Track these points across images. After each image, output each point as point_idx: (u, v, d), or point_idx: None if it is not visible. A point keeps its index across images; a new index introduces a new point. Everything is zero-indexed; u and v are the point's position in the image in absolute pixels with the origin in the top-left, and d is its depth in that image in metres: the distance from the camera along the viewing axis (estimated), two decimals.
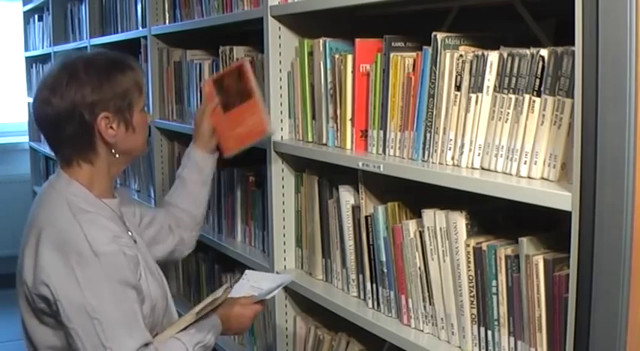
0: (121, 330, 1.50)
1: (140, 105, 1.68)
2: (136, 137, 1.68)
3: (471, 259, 1.48)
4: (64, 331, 1.52)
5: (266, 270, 2.19)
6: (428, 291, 1.60)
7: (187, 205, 2.05)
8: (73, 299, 1.49)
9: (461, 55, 1.49)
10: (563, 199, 1.21)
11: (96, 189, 1.65)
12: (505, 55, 1.41)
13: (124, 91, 1.63)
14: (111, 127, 1.61)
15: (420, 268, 1.61)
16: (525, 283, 1.36)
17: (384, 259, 1.71)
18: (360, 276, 1.83)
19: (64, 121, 1.58)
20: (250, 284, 1.84)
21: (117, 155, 1.65)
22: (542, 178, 1.34)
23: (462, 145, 1.49)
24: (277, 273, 2.07)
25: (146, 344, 1.54)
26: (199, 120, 2.06)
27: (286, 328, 2.17)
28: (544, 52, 1.33)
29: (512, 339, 1.42)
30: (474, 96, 1.46)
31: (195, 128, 2.07)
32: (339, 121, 1.86)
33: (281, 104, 2.08)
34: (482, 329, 1.48)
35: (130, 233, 1.71)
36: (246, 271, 1.92)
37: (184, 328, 1.66)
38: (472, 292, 1.48)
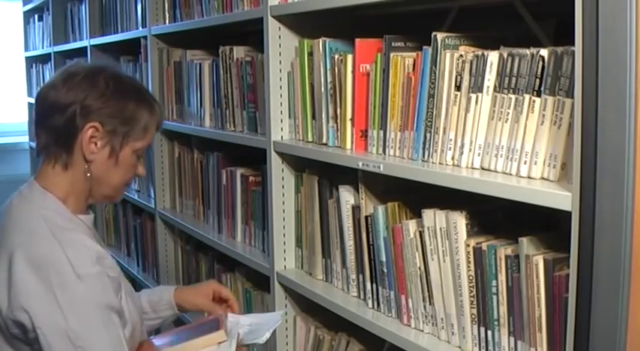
0: None
1: (137, 145, 1.55)
2: (115, 172, 1.55)
3: (471, 259, 1.48)
4: None
5: (266, 270, 2.19)
6: (428, 291, 1.60)
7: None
8: (55, 326, 1.37)
9: (461, 55, 1.49)
10: (563, 199, 1.21)
11: (71, 204, 1.52)
12: (505, 55, 1.41)
13: (128, 118, 1.52)
14: (95, 143, 1.49)
15: (420, 268, 1.61)
16: (525, 283, 1.36)
17: (384, 259, 1.71)
18: (360, 276, 1.83)
19: (57, 110, 1.49)
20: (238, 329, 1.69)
21: (88, 174, 1.51)
22: (542, 178, 1.34)
23: (462, 145, 1.49)
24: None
25: None
26: (204, 301, 1.80)
27: (286, 328, 2.17)
28: (544, 52, 1.33)
29: (512, 339, 1.42)
30: (473, 96, 1.46)
31: (196, 291, 1.83)
32: (339, 121, 1.87)
33: (281, 104, 2.08)
34: (483, 329, 1.48)
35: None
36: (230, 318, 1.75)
37: None
38: (472, 292, 1.48)
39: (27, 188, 1.54)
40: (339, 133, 1.87)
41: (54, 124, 1.50)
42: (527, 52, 1.37)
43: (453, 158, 1.52)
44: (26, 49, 5.73)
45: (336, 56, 1.85)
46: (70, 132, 1.49)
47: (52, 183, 1.51)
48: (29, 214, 1.48)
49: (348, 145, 1.83)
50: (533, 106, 1.35)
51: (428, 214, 1.55)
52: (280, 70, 2.07)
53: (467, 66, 1.48)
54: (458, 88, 1.50)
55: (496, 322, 1.44)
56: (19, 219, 1.48)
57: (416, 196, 1.66)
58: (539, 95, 1.34)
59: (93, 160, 1.51)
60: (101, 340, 1.40)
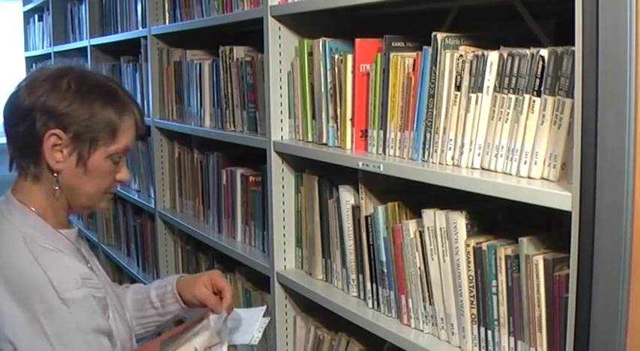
0: None
1: (110, 150, 1.42)
2: (88, 181, 1.42)
3: (471, 259, 1.48)
4: None
5: (266, 270, 2.19)
6: (428, 291, 1.60)
7: (132, 305, 1.70)
8: None
9: (461, 55, 1.49)
10: (563, 199, 1.21)
11: (50, 218, 1.43)
12: (505, 55, 1.41)
13: (93, 123, 1.39)
14: (60, 151, 1.38)
15: (420, 268, 1.61)
16: (525, 283, 1.36)
17: (384, 259, 1.71)
18: (360, 276, 1.83)
19: (19, 117, 1.38)
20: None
21: (56, 187, 1.41)
22: (542, 178, 1.34)
23: (462, 145, 1.49)
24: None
25: None
26: (201, 291, 1.65)
27: (286, 328, 2.17)
28: (544, 52, 1.33)
29: (512, 339, 1.42)
30: (474, 96, 1.46)
31: (194, 281, 1.68)
32: (339, 121, 1.87)
33: (281, 104, 2.08)
34: (482, 329, 1.48)
35: (89, 266, 1.49)
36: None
37: None
38: (472, 292, 1.48)
39: (4, 203, 1.44)
40: (339, 133, 1.87)
41: (17, 133, 1.40)
42: (527, 52, 1.37)
43: (453, 158, 1.52)
44: (26, 49, 5.73)
45: (336, 56, 1.85)
46: (33, 140, 1.38)
47: (29, 197, 1.42)
48: (7, 234, 1.38)
49: (348, 145, 1.83)
50: (533, 106, 1.35)
51: (428, 214, 1.55)
52: (280, 70, 2.06)
53: (467, 66, 1.48)
54: (458, 88, 1.50)
55: (496, 322, 1.44)
56: (6, 233, 1.38)
57: (416, 196, 1.66)
58: (539, 95, 1.34)
59: (60, 170, 1.40)
60: None
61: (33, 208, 1.42)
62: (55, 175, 1.40)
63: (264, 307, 1.72)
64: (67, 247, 1.44)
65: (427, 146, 1.57)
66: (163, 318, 1.70)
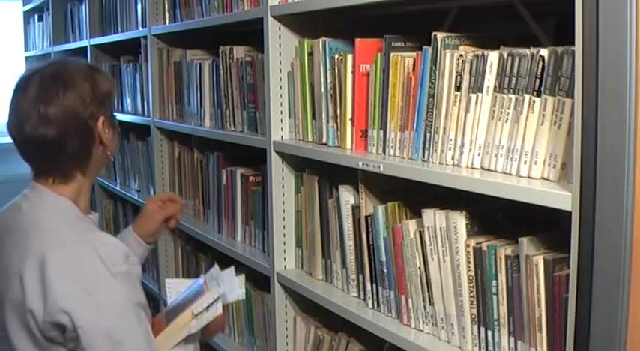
0: None
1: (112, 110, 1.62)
2: (116, 136, 1.62)
3: (471, 259, 1.48)
4: None
5: (266, 270, 2.19)
6: (428, 291, 1.60)
7: None
8: (95, 325, 1.40)
9: (461, 55, 1.49)
10: (563, 199, 1.21)
11: (81, 204, 1.55)
12: (505, 55, 1.41)
13: (108, 91, 1.56)
14: (106, 131, 1.54)
15: (420, 268, 1.61)
16: (525, 283, 1.36)
17: (384, 259, 1.71)
18: (360, 276, 1.83)
19: (69, 134, 1.48)
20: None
21: (108, 156, 1.60)
22: (542, 178, 1.34)
23: (462, 145, 1.49)
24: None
25: None
26: (153, 210, 1.88)
27: (286, 328, 2.17)
28: (544, 52, 1.33)
29: (512, 339, 1.42)
30: (473, 96, 1.46)
31: (144, 215, 1.89)
32: (339, 121, 1.86)
33: (281, 104, 2.08)
34: (483, 329, 1.48)
35: None
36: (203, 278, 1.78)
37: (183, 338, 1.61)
38: (472, 292, 1.48)
39: (33, 193, 1.53)
40: (339, 133, 1.87)
41: (74, 146, 1.50)
42: (527, 52, 1.37)
43: (453, 158, 1.52)
44: (26, 49, 5.73)
45: (336, 56, 1.85)
46: (88, 139, 1.52)
47: (63, 188, 1.52)
48: (49, 218, 1.49)
49: (348, 145, 1.83)
50: (533, 106, 1.35)
51: (428, 214, 1.55)
52: (280, 70, 2.06)
53: (467, 66, 1.48)
54: (458, 88, 1.50)
55: (496, 322, 1.44)
56: (40, 224, 1.48)
57: (416, 196, 1.66)
58: (539, 95, 1.34)
59: (108, 143, 1.57)
60: (136, 336, 1.44)
61: (66, 196, 1.53)
62: (108, 151, 1.59)
63: (232, 268, 1.78)
64: (96, 229, 1.57)
65: (427, 146, 1.57)
66: None
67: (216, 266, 1.78)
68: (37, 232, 1.46)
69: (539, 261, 1.33)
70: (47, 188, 1.52)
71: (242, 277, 1.75)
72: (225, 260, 2.57)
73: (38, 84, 1.49)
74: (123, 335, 1.42)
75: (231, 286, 1.70)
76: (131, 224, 1.90)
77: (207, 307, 1.62)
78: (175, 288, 1.81)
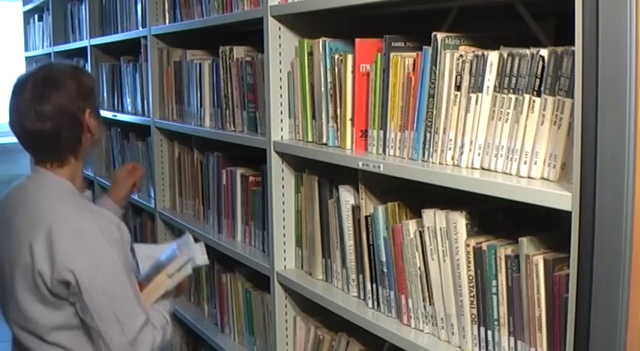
0: (133, 308, 1.72)
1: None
2: (100, 124, 1.89)
3: (471, 259, 1.48)
4: (79, 310, 1.69)
5: (266, 270, 2.19)
6: (428, 291, 1.60)
7: None
8: (95, 282, 1.67)
9: (461, 55, 1.49)
10: (563, 199, 1.21)
11: (76, 183, 1.83)
12: (505, 55, 1.41)
13: (91, 87, 1.85)
14: (92, 120, 1.82)
15: (420, 268, 1.61)
16: (525, 283, 1.36)
17: (384, 259, 1.71)
18: (360, 276, 1.83)
19: (62, 126, 1.76)
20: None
21: (94, 141, 1.88)
22: (542, 178, 1.34)
23: (462, 145, 1.49)
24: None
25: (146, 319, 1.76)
26: (122, 177, 2.27)
27: (286, 328, 2.17)
28: (544, 52, 1.33)
29: (512, 339, 1.42)
30: (474, 96, 1.46)
31: (116, 182, 2.28)
32: (339, 121, 1.87)
33: (281, 104, 2.08)
34: (482, 329, 1.48)
35: None
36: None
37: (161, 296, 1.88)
38: (472, 292, 1.48)
39: (36, 175, 1.82)
40: (339, 133, 1.87)
41: (66, 136, 1.78)
42: (527, 52, 1.37)
43: (453, 158, 1.52)
44: (26, 49, 5.73)
45: (336, 56, 1.85)
46: (78, 129, 1.80)
47: (59, 170, 1.80)
48: (54, 194, 1.77)
49: (348, 145, 1.83)
50: (533, 106, 1.35)
51: (428, 214, 1.55)
52: (280, 70, 2.06)
53: (467, 66, 1.48)
54: (458, 88, 1.50)
55: (496, 322, 1.44)
56: (45, 200, 1.76)
57: (416, 196, 1.66)
58: (539, 95, 1.34)
59: (95, 131, 1.85)
60: (128, 292, 1.71)
61: (64, 177, 1.80)
62: (94, 137, 1.86)
63: (189, 235, 2.03)
64: None
65: (427, 146, 1.57)
66: None
67: (187, 234, 2.04)
68: (43, 206, 1.74)
69: (539, 261, 1.33)
70: (48, 171, 1.80)
71: (201, 243, 1.98)
72: (225, 260, 2.58)
73: (32, 87, 1.77)
74: (117, 291, 1.69)
75: (195, 251, 1.94)
76: (106, 193, 2.31)
77: (179, 269, 1.88)
78: (144, 253, 2.03)
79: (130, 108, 3.54)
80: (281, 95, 2.08)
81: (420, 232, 1.59)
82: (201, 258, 1.93)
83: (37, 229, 1.69)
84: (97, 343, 1.70)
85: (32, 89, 1.76)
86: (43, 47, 5.17)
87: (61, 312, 1.71)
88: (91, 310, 1.67)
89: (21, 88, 1.79)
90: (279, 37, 2.05)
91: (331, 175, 1.94)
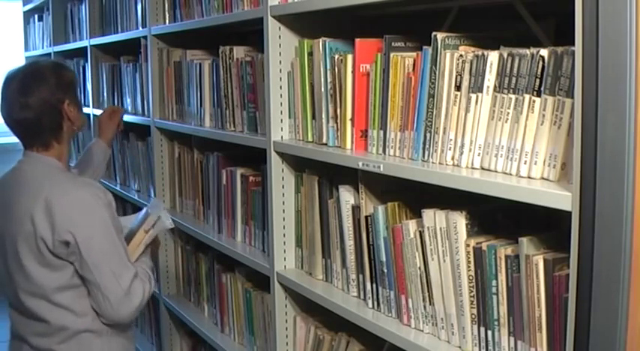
0: (124, 263, 1.95)
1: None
2: (81, 114, 2.14)
3: (471, 259, 1.48)
4: (78, 267, 1.91)
5: (266, 270, 2.19)
6: (428, 291, 1.60)
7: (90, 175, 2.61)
8: (92, 240, 1.90)
9: (461, 55, 1.49)
10: (563, 199, 1.21)
11: (63, 162, 2.07)
12: (505, 55, 1.41)
13: (70, 81, 2.09)
14: (71, 110, 2.05)
15: (420, 268, 1.61)
16: (525, 283, 1.36)
17: (384, 259, 1.71)
18: (360, 276, 1.83)
19: (44, 115, 2.00)
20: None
21: (74, 128, 2.10)
22: (542, 178, 1.34)
23: (462, 145, 1.49)
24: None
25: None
26: (105, 121, 2.70)
27: (286, 328, 2.17)
28: (544, 52, 1.33)
29: (512, 339, 1.42)
30: (474, 96, 1.46)
31: (101, 126, 2.71)
32: (339, 121, 1.87)
33: (281, 104, 2.08)
34: (483, 329, 1.48)
35: None
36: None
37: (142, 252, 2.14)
38: (472, 292, 1.48)
39: (28, 158, 2.05)
40: (339, 133, 1.87)
41: (47, 124, 2.02)
42: (527, 52, 1.37)
43: (452, 158, 1.52)
44: (26, 49, 5.72)
45: (336, 56, 1.85)
46: (59, 117, 2.04)
47: (45, 153, 2.03)
48: (47, 170, 2.01)
49: (348, 145, 1.83)
50: (533, 106, 1.35)
51: (428, 214, 1.55)
52: (280, 70, 2.07)
53: (467, 66, 1.48)
54: (458, 88, 1.50)
55: (496, 322, 1.44)
56: (41, 175, 1.99)
57: (416, 196, 1.66)
58: (539, 95, 1.34)
59: (74, 119, 2.08)
60: (120, 250, 1.95)
61: (53, 157, 2.04)
62: (74, 125, 2.10)
63: (159, 199, 2.37)
64: None
65: (427, 146, 1.57)
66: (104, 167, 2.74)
67: (156, 198, 2.45)
68: (39, 181, 1.97)
69: (539, 261, 1.33)
70: (39, 153, 2.03)
71: (165, 210, 2.25)
72: (225, 260, 2.58)
73: (18, 81, 2.01)
74: (110, 248, 1.93)
75: (165, 214, 2.19)
76: (95, 137, 2.73)
77: (153, 225, 2.15)
78: (124, 223, 2.21)
79: (130, 108, 3.54)
80: (281, 95, 2.08)
81: (420, 232, 1.59)
82: (168, 222, 2.19)
83: (36, 201, 1.90)
84: (96, 297, 1.92)
85: (18, 83, 2.01)
86: (43, 47, 5.16)
87: (63, 273, 1.92)
88: (90, 265, 1.89)
89: (10, 81, 2.03)
90: (279, 37, 2.05)
91: (331, 175, 1.94)
